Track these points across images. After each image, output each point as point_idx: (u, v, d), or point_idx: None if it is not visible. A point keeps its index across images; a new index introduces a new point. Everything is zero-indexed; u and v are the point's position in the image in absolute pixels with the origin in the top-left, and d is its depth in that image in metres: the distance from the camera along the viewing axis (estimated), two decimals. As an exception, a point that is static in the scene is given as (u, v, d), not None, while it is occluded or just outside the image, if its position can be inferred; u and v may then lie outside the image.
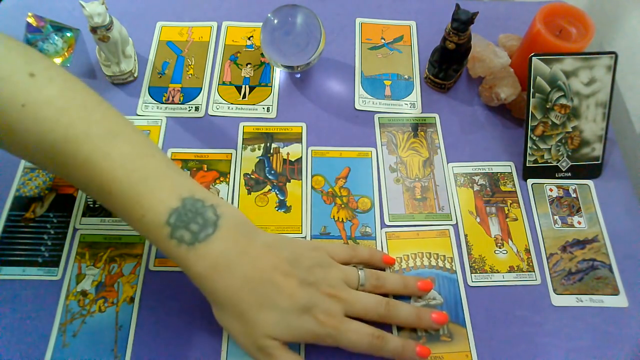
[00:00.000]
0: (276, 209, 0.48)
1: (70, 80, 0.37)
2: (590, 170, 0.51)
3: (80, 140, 0.35)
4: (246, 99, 0.54)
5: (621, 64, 0.49)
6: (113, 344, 0.41)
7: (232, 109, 0.54)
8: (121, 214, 0.37)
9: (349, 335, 0.38)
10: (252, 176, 0.50)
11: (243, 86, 0.55)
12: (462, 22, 0.47)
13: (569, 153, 0.50)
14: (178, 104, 0.54)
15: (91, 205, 0.47)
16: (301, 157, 0.51)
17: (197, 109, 0.53)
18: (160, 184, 0.36)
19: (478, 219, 0.48)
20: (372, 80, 0.56)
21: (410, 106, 0.55)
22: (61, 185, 0.48)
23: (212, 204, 0.37)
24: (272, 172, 0.50)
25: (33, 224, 0.46)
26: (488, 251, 0.46)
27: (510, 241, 0.47)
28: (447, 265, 0.45)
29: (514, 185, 0.50)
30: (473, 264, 0.46)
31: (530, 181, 0.50)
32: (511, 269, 0.45)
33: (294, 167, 0.51)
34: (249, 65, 0.57)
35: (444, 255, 0.46)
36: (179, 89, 0.55)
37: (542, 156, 0.50)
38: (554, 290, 0.45)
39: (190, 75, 0.56)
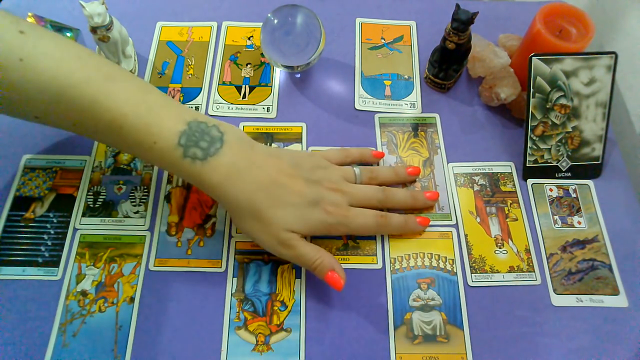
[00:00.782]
0: (276, 208, 0.48)
1: (57, 36, 0.40)
2: (590, 170, 0.51)
3: (84, 85, 0.37)
4: (246, 99, 0.54)
5: (621, 64, 0.49)
6: (113, 344, 0.41)
7: (232, 109, 0.54)
8: (133, 146, 0.39)
9: (357, 219, 0.43)
10: (252, 176, 0.50)
11: (243, 86, 0.55)
12: (462, 22, 0.47)
13: (569, 153, 0.50)
14: (178, 104, 0.54)
15: (91, 205, 0.47)
16: (301, 157, 0.51)
17: (197, 109, 0.53)
18: (165, 113, 0.39)
19: (478, 219, 0.48)
20: (372, 80, 0.56)
21: (410, 106, 0.55)
22: (61, 185, 0.48)
23: (214, 124, 0.41)
24: (272, 172, 0.50)
25: (33, 224, 0.46)
26: (488, 251, 0.46)
27: (510, 241, 0.47)
28: (448, 267, 0.45)
29: (514, 185, 0.50)
30: (473, 264, 0.46)
31: (530, 181, 0.50)
32: (511, 269, 0.46)
33: (294, 167, 0.51)
34: (249, 65, 0.57)
35: (446, 257, 0.46)
36: (179, 89, 0.55)
37: (542, 156, 0.50)
38: (554, 290, 0.45)
39: (190, 75, 0.56)
